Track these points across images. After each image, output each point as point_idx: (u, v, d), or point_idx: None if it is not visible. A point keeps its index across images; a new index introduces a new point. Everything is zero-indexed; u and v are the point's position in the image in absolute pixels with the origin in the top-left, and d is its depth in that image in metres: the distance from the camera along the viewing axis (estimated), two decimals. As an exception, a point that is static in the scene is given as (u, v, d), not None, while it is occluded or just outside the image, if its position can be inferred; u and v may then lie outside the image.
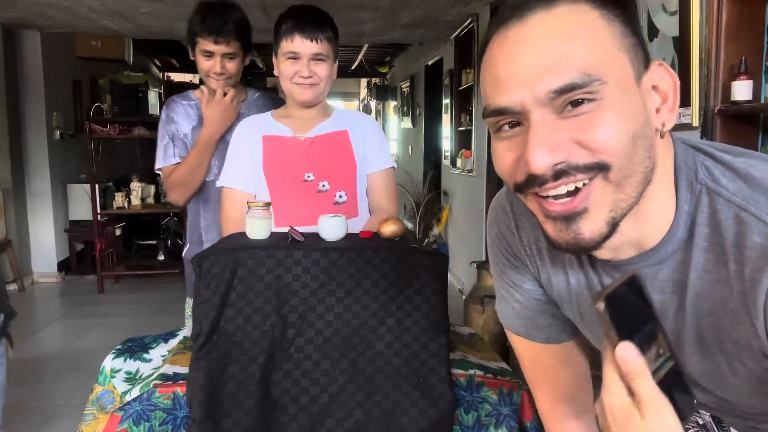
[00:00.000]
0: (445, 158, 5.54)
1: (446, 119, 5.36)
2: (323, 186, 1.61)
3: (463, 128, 4.80)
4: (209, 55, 1.80)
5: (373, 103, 10.89)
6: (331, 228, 1.47)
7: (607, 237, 0.60)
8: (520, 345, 0.89)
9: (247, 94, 1.96)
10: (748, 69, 1.73)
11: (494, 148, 0.64)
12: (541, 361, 0.88)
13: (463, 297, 3.77)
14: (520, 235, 0.81)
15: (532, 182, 0.60)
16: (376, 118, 10.91)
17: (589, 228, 0.60)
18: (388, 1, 3.79)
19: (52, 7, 3.95)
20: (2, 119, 4.97)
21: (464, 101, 4.74)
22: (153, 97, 5.90)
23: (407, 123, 7.80)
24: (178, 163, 1.88)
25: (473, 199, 4.52)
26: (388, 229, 1.47)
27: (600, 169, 0.57)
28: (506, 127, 0.62)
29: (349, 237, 1.51)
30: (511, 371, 1.45)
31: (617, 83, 0.57)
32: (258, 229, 1.42)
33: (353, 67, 8.86)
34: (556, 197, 0.60)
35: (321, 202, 1.59)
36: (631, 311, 0.52)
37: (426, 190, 6.05)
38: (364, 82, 11.74)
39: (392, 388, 1.36)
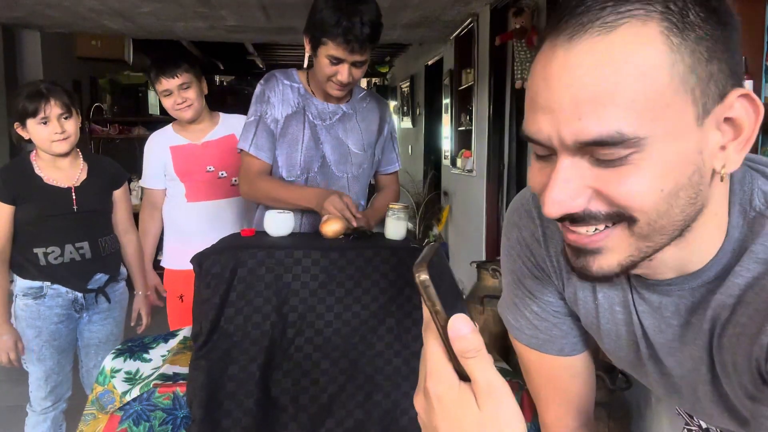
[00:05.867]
0: (445, 158, 5.53)
1: (446, 119, 5.35)
2: (222, 174, 2.21)
3: (463, 128, 4.79)
4: (337, 62, 1.58)
5: (373, 103, 10.88)
6: (279, 223, 1.50)
7: (618, 275, 0.57)
8: (529, 357, 0.83)
9: (353, 94, 1.81)
10: (748, 69, 1.73)
11: (531, 162, 0.60)
12: (551, 374, 0.82)
13: (463, 297, 3.77)
14: (547, 244, 0.74)
15: None
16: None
17: (598, 265, 0.56)
18: (388, 1, 3.78)
19: (52, 7, 3.94)
20: (2, 119, 4.97)
21: (464, 101, 4.73)
22: (153, 97, 5.89)
23: (407, 123, 7.80)
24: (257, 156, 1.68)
25: (473, 199, 4.52)
26: (330, 229, 1.48)
27: (623, 219, 0.53)
28: (541, 148, 0.56)
29: (350, 236, 1.51)
30: (510, 371, 1.45)
31: (663, 135, 0.49)
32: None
33: (353, 67, 8.85)
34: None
35: (219, 185, 2.19)
36: (446, 284, 0.45)
37: (426, 190, 6.05)
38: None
39: (392, 388, 1.36)
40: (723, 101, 0.51)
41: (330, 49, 1.55)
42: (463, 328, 0.43)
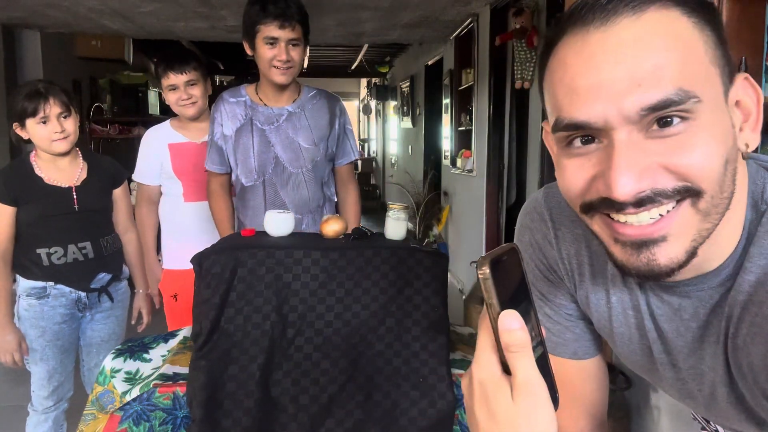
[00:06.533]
0: (445, 158, 5.53)
1: (446, 119, 5.35)
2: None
3: (463, 128, 4.79)
4: (273, 42, 1.75)
5: (373, 103, 10.88)
6: (279, 223, 1.50)
7: (683, 266, 0.55)
8: None
9: (301, 92, 1.95)
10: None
11: (562, 164, 0.58)
12: (563, 378, 0.78)
13: (463, 297, 3.77)
14: (560, 247, 0.75)
15: (608, 205, 0.54)
16: (377, 118, 10.92)
17: (667, 255, 0.54)
18: (388, 1, 3.78)
19: (52, 7, 3.94)
20: (2, 119, 4.97)
21: (464, 101, 4.73)
22: (153, 97, 5.90)
23: (407, 123, 7.80)
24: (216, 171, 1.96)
25: (473, 199, 4.52)
26: (330, 229, 1.49)
27: (690, 194, 0.52)
28: (578, 142, 0.55)
29: (350, 237, 1.51)
30: (511, 371, 1.45)
31: (710, 101, 0.51)
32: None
33: (353, 67, 8.85)
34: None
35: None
36: (511, 283, 0.47)
37: (426, 190, 6.05)
38: (364, 82, 11.73)
39: (392, 388, 1.36)
40: (732, 84, 0.55)
41: (264, 32, 1.75)
42: (513, 323, 0.45)
